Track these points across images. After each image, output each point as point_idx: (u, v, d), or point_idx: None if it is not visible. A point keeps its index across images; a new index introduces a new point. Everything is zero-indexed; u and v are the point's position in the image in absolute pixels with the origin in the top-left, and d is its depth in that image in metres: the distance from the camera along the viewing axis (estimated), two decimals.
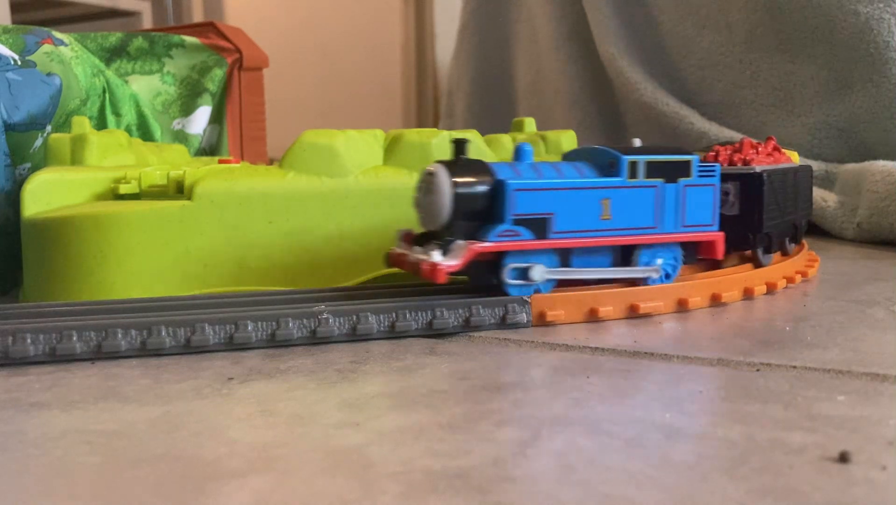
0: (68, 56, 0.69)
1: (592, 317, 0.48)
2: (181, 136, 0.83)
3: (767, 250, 0.58)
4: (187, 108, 0.83)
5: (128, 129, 0.78)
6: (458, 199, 0.45)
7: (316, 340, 0.44)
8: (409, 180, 0.55)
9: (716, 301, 0.52)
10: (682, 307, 0.50)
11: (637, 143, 0.54)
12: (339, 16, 1.97)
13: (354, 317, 0.44)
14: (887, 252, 0.74)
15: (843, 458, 0.28)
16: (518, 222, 0.46)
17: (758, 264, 0.57)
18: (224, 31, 0.88)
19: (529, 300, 0.47)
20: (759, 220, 0.56)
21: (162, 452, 0.29)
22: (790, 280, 0.57)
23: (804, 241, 0.67)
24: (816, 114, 0.95)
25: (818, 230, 0.87)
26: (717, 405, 0.34)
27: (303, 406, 0.34)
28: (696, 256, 0.53)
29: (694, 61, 1.06)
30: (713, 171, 0.52)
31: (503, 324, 0.46)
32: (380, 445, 0.30)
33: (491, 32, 1.44)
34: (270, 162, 0.79)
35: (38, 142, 0.66)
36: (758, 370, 0.38)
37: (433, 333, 0.45)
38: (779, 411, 0.33)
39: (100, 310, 0.45)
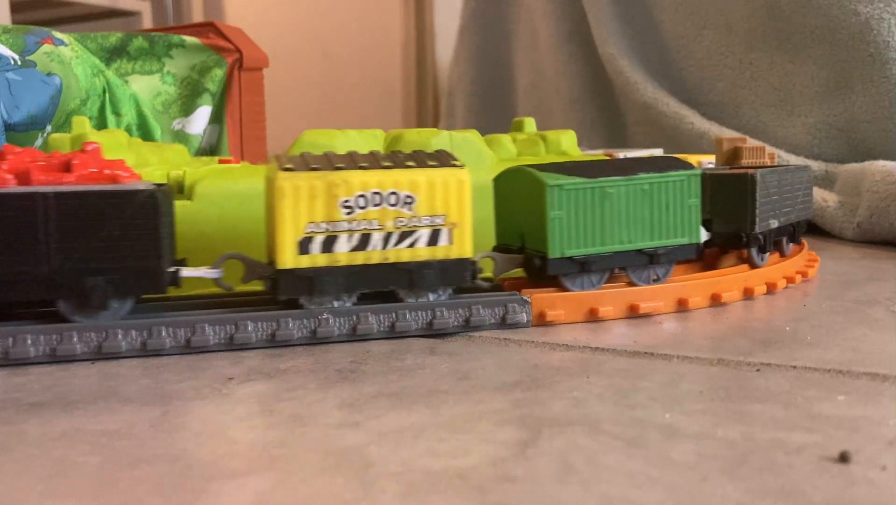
0: (68, 56, 0.69)
1: (592, 317, 0.48)
2: (181, 136, 0.83)
3: None
4: (187, 108, 0.83)
5: (128, 129, 0.78)
6: None
7: (316, 340, 0.44)
8: None
9: (716, 301, 0.52)
10: (682, 307, 0.50)
11: None
12: (339, 16, 1.97)
13: (354, 317, 0.44)
14: (887, 252, 0.74)
15: (843, 458, 0.28)
16: None
17: None
18: (224, 31, 0.88)
19: (529, 300, 0.47)
20: None
21: (162, 452, 0.29)
22: (790, 280, 0.57)
23: (804, 241, 0.67)
24: (816, 114, 0.95)
25: (818, 230, 0.87)
26: (717, 405, 0.34)
27: (303, 406, 0.34)
28: None
29: (694, 61, 1.06)
30: None
31: (503, 324, 0.46)
32: (380, 445, 0.30)
33: (491, 33, 1.44)
34: None
35: (39, 142, 0.66)
36: (758, 370, 0.38)
37: (433, 333, 0.45)
38: (779, 411, 0.33)
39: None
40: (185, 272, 0.44)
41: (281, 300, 0.44)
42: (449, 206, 0.45)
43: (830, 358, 0.40)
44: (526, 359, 0.41)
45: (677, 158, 0.52)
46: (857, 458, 0.28)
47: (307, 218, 0.43)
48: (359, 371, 0.39)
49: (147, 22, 1.82)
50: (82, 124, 0.59)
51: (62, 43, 0.70)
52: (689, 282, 0.51)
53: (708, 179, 0.56)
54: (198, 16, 1.97)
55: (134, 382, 0.38)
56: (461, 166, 0.46)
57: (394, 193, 0.44)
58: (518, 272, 0.51)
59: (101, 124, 0.75)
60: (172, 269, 0.43)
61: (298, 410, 0.34)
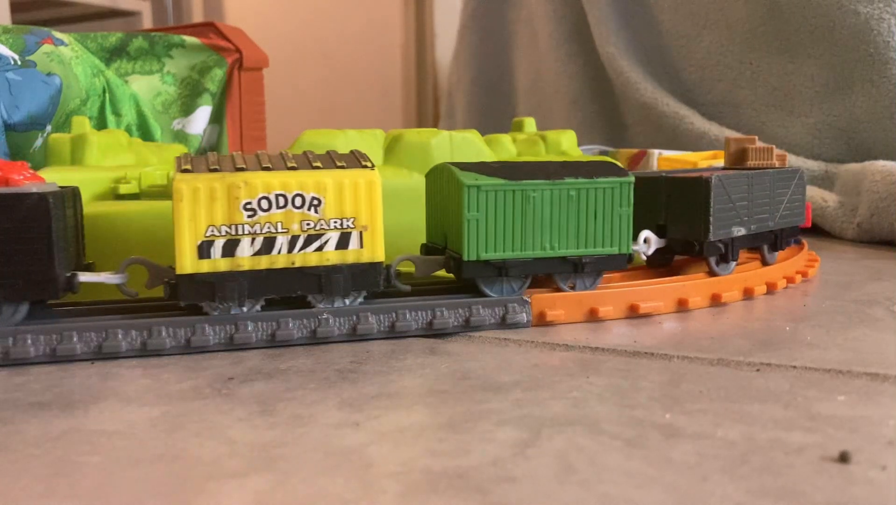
0: (68, 56, 0.69)
1: (592, 317, 0.48)
2: (181, 136, 0.83)
3: None
4: (187, 108, 0.83)
5: (128, 129, 0.78)
6: None
7: (316, 340, 0.44)
8: (409, 180, 0.55)
9: (716, 301, 0.52)
10: (682, 307, 0.50)
11: None
12: (339, 16, 1.97)
13: (354, 317, 0.44)
14: (887, 252, 0.74)
15: (843, 458, 0.28)
16: None
17: None
18: (224, 31, 0.88)
19: (529, 300, 0.47)
20: None
21: (162, 452, 0.29)
22: (790, 280, 0.57)
23: (804, 241, 0.67)
24: (816, 114, 0.95)
25: (818, 230, 0.87)
26: (717, 405, 0.34)
27: (303, 406, 0.34)
28: None
29: (694, 61, 1.06)
30: None
31: (503, 324, 0.46)
32: (380, 445, 0.30)
33: (491, 33, 1.44)
34: None
35: (38, 142, 0.66)
36: (758, 370, 0.38)
37: (433, 333, 0.45)
38: (779, 411, 0.33)
39: (100, 310, 0.45)
40: (84, 277, 0.43)
41: (182, 306, 0.43)
42: (359, 208, 0.43)
43: (830, 358, 0.40)
44: (526, 359, 0.41)
45: (613, 164, 0.50)
46: (857, 458, 0.28)
47: (207, 221, 0.41)
48: (359, 371, 0.39)
49: (147, 22, 1.82)
50: (82, 124, 0.59)
51: (62, 43, 0.70)
52: (690, 282, 0.51)
53: (664, 183, 0.53)
54: (198, 16, 1.97)
55: (134, 382, 0.38)
56: (371, 167, 0.44)
57: (299, 195, 0.42)
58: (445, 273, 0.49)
59: (101, 124, 0.75)
60: (69, 273, 0.42)
61: (298, 410, 0.34)
